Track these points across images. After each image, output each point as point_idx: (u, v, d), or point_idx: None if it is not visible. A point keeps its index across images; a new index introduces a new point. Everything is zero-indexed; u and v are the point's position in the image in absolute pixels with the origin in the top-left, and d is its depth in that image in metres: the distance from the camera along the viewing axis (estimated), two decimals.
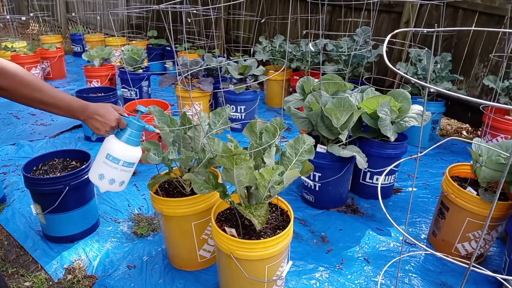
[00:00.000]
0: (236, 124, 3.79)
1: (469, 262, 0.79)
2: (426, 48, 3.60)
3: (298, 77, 4.32)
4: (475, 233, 1.92)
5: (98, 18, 7.96)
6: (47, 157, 2.19)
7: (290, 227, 1.52)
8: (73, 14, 8.82)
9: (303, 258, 2.02)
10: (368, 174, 2.52)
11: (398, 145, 2.38)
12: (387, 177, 2.51)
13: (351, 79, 4.06)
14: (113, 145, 1.32)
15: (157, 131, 1.50)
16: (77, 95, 3.31)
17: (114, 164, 1.33)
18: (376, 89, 2.60)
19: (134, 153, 1.36)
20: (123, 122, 1.30)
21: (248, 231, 1.56)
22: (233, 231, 1.50)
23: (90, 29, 8.88)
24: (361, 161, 2.18)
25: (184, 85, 3.46)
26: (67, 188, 1.93)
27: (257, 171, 1.42)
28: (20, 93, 1.01)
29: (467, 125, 4.12)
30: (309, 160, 1.60)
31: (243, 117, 3.80)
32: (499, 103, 3.14)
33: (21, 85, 0.99)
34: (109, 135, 1.32)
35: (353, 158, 2.27)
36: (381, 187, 2.55)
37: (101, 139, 3.42)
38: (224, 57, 5.01)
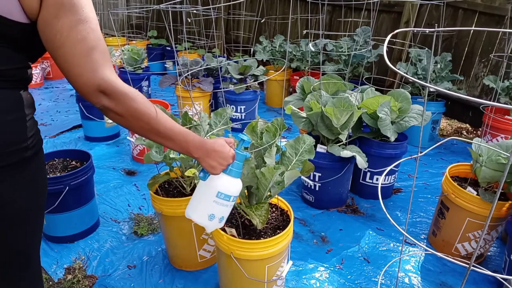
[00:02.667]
0: (236, 124, 3.79)
1: (469, 262, 0.79)
2: (426, 48, 3.60)
3: (298, 77, 4.33)
4: (475, 233, 1.92)
5: (98, 18, 7.95)
6: (47, 157, 2.18)
7: (290, 227, 1.52)
8: None
9: (303, 258, 2.02)
10: (368, 174, 2.52)
11: (398, 145, 2.38)
12: (387, 177, 2.51)
13: (351, 79, 4.06)
14: (224, 182, 1.20)
15: (251, 156, 1.35)
16: (77, 94, 3.31)
17: (225, 201, 1.22)
18: (376, 89, 2.60)
19: (240, 185, 1.25)
20: (235, 157, 1.19)
21: (248, 231, 1.56)
22: (233, 231, 1.50)
23: None
24: (361, 161, 2.18)
25: (184, 85, 3.46)
26: (67, 188, 1.93)
27: (258, 170, 1.42)
28: (136, 121, 0.93)
29: (467, 125, 4.12)
30: (309, 160, 1.60)
31: (243, 117, 3.80)
32: (499, 103, 3.13)
33: (138, 112, 0.91)
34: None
35: (353, 158, 2.27)
36: (381, 187, 2.55)
37: (101, 139, 3.44)
38: (224, 57, 5.02)
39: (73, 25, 0.79)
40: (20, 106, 0.84)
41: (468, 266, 0.80)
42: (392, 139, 2.30)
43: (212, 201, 1.21)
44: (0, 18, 0.75)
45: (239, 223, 1.58)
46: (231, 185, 1.21)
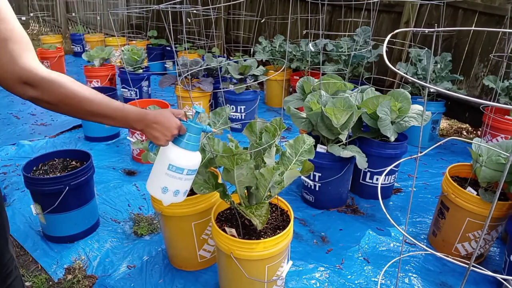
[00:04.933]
0: (236, 124, 3.79)
1: (469, 262, 0.79)
2: (426, 48, 3.60)
3: (298, 77, 4.32)
4: (475, 233, 1.92)
5: (98, 18, 7.96)
6: (47, 157, 2.18)
7: (290, 227, 1.52)
8: (73, 14, 8.82)
9: (303, 258, 2.02)
10: (368, 174, 2.52)
11: (398, 145, 2.38)
12: (387, 177, 2.51)
13: (351, 79, 4.06)
14: (175, 154, 1.19)
15: (214, 130, 1.38)
16: None
17: (178, 174, 1.20)
18: (376, 89, 2.60)
19: (197, 159, 1.24)
20: (183, 128, 1.17)
21: (248, 231, 1.56)
22: (233, 231, 1.50)
23: (90, 29, 8.89)
24: (361, 161, 2.18)
25: (184, 85, 3.46)
26: (67, 188, 1.93)
27: (257, 171, 1.42)
28: (68, 107, 0.91)
29: (467, 125, 4.12)
30: (309, 160, 1.60)
31: (243, 117, 3.80)
32: (499, 103, 3.14)
33: (68, 97, 0.89)
34: (168, 144, 1.19)
35: (353, 158, 2.27)
36: (381, 187, 2.55)
37: (101, 139, 3.44)
38: (224, 57, 5.01)
39: None
40: None
41: (468, 266, 0.80)
42: (392, 139, 2.30)
43: (164, 173, 1.20)
44: None
45: (239, 223, 1.58)
46: (183, 158, 1.19)
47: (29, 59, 0.82)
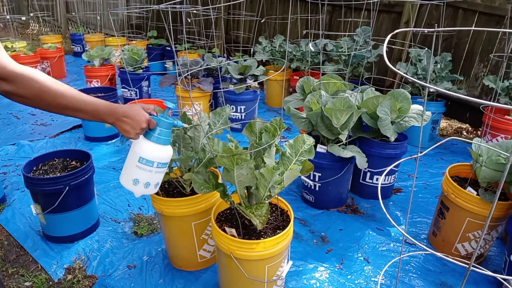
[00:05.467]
0: (236, 124, 3.79)
1: (469, 262, 0.79)
2: (426, 48, 3.60)
3: (298, 77, 4.32)
4: (475, 233, 1.92)
5: (98, 18, 7.96)
6: (47, 157, 2.18)
7: (290, 227, 1.52)
8: (73, 14, 8.82)
9: (303, 258, 2.02)
10: (368, 174, 2.52)
11: (398, 145, 2.38)
12: (387, 177, 2.51)
13: (351, 79, 4.05)
14: (145, 147, 1.24)
15: (186, 126, 1.43)
16: None
17: (148, 167, 1.25)
18: (376, 89, 2.60)
19: (167, 153, 1.28)
20: (153, 122, 1.22)
21: (248, 231, 1.56)
22: (233, 231, 1.50)
23: (90, 29, 8.88)
24: (361, 161, 2.18)
25: (184, 85, 3.46)
26: (67, 188, 1.93)
27: (257, 171, 1.42)
28: (42, 101, 0.94)
29: (467, 125, 4.12)
30: (309, 160, 1.60)
31: (243, 117, 3.80)
32: (499, 103, 3.14)
33: (42, 92, 0.92)
34: (138, 138, 1.25)
35: (353, 158, 2.27)
36: (381, 187, 2.55)
37: (101, 139, 3.44)
38: (224, 57, 5.01)
39: None
40: None
41: (468, 266, 0.80)
42: (392, 139, 2.30)
43: (135, 166, 1.26)
44: None
45: (239, 223, 1.58)
46: (153, 151, 1.24)
47: (1, 56, 0.84)
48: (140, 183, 1.28)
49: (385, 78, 4.23)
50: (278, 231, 1.56)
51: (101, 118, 1.11)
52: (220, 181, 1.62)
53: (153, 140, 1.24)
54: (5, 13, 7.72)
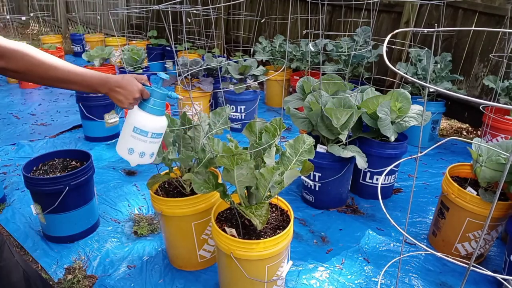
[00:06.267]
0: (236, 124, 3.79)
1: (469, 262, 0.79)
2: (426, 48, 3.60)
3: (298, 77, 4.32)
4: (475, 233, 1.92)
5: (98, 18, 7.96)
6: (47, 157, 2.18)
7: (290, 227, 1.52)
8: (73, 14, 8.82)
9: (303, 258, 2.02)
10: (368, 174, 2.52)
11: (398, 145, 2.38)
12: (387, 177, 2.51)
13: (351, 79, 4.06)
14: (139, 117, 1.27)
15: (180, 97, 1.45)
16: (77, 95, 3.31)
17: (142, 136, 1.28)
18: (376, 89, 2.60)
19: (161, 123, 1.31)
20: (146, 92, 1.24)
21: (248, 231, 1.56)
22: (233, 231, 1.50)
23: (90, 29, 8.88)
24: (361, 161, 2.18)
25: (184, 85, 3.46)
26: (67, 188, 1.93)
27: (257, 171, 1.42)
28: (35, 74, 0.97)
29: (467, 125, 4.12)
30: (309, 160, 1.60)
31: (243, 117, 3.80)
32: (499, 103, 3.14)
33: (33, 65, 0.95)
34: (133, 107, 1.27)
35: (353, 158, 2.27)
36: (381, 187, 2.55)
37: (101, 139, 3.44)
38: (224, 57, 5.01)
39: None
40: None
41: (468, 266, 0.80)
42: (392, 139, 2.30)
43: (130, 135, 1.29)
44: None
45: (239, 223, 1.58)
46: (147, 121, 1.27)
47: None
48: (135, 153, 1.31)
49: (385, 78, 4.24)
50: (278, 231, 1.56)
51: (94, 89, 1.13)
52: (220, 181, 1.62)
53: (147, 111, 1.27)
54: (5, 13, 7.72)
